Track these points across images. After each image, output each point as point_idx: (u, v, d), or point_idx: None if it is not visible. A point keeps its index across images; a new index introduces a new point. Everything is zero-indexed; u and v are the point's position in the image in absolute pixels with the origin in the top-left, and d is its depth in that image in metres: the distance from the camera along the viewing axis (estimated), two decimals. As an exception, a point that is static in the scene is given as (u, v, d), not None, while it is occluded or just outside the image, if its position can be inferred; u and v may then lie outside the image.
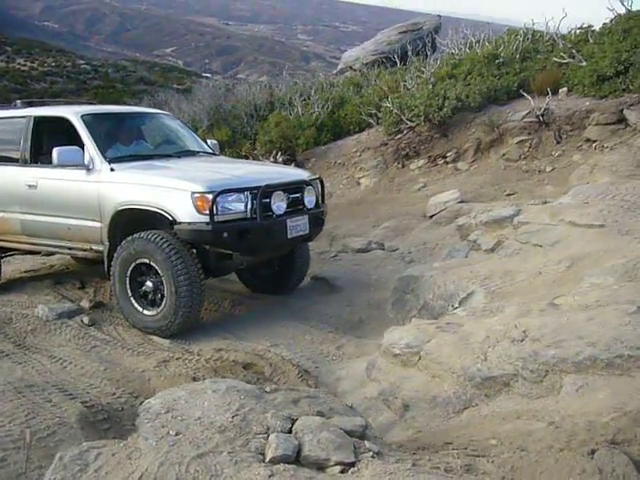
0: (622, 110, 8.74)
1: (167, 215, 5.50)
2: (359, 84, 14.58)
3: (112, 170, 5.89)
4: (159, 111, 8.08)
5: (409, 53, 16.35)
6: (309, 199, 6.25)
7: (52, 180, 6.16)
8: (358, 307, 6.56)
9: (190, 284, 5.48)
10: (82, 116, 6.25)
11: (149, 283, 5.65)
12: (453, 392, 4.03)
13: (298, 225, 6.03)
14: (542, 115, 9.29)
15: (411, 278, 6.35)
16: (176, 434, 2.83)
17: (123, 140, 6.65)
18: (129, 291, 5.76)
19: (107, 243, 5.89)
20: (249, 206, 5.56)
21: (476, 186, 9.14)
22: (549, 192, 8.47)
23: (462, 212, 8.26)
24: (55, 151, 5.82)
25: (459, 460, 2.96)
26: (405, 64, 16.17)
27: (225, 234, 5.42)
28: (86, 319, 6.02)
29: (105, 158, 5.97)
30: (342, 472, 2.72)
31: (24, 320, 6.00)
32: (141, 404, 3.28)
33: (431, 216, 8.57)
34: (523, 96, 10.45)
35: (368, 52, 17.40)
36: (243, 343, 5.59)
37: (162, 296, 5.59)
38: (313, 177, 6.53)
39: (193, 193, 5.38)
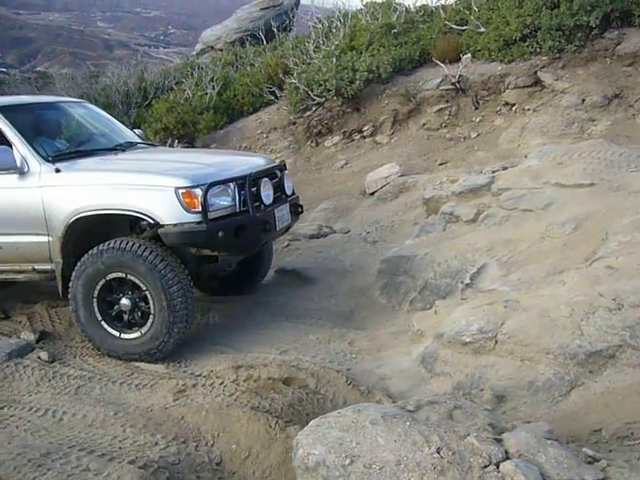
0: (536, 72, 8.90)
1: (147, 218, 4.59)
2: (232, 63, 13.81)
3: (58, 171, 4.84)
4: (77, 99, 6.92)
5: (274, 29, 15.82)
6: (288, 185, 5.62)
7: None
8: (342, 297, 6.04)
9: (184, 295, 4.66)
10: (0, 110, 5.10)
11: (125, 301, 4.71)
12: (553, 374, 3.70)
13: (283, 215, 5.38)
14: (458, 82, 9.23)
15: (400, 259, 5.93)
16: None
17: (52, 135, 5.57)
18: (98, 314, 4.77)
19: (60, 260, 4.84)
20: (237, 198, 4.79)
21: (403, 158, 8.89)
22: (483, 157, 8.43)
23: (407, 186, 7.98)
24: None
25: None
26: (270, 42, 15.63)
27: (221, 233, 4.61)
28: (44, 355, 4.91)
29: (44, 158, 4.91)
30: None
31: (-37, 369, 4.80)
32: (294, 453, 2.55)
33: (372, 193, 8.19)
34: (426, 64, 10.38)
35: (231, 30, 16.55)
36: (250, 355, 4.87)
37: (144, 314, 4.72)
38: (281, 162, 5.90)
39: (177, 189, 4.53)
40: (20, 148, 4.92)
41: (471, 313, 4.21)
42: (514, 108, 8.87)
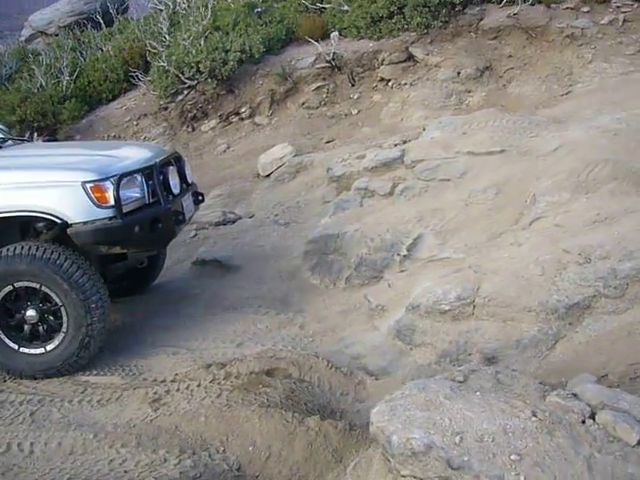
0: (407, 48, 9.20)
1: (52, 218, 4.15)
2: (75, 48, 12.79)
3: None
4: None
5: (112, 12, 14.90)
6: (189, 173, 5.38)
7: None
8: (272, 282, 5.89)
9: (103, 305, 4.31)
10: None
11: (31, 312, 4.26)
12: (537, 330, 3.90)
13: (189, 204, 5.12)
14: (333, 59, 9.28)
15: (329, 237, 5.88)
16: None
17: None
18: None
19: None
20: (145, 189, 4.47)
21: (288, 138, 8.79)
22: (369, 133, 8.59)
23: (304, 165, 7.90)
24: None
25: None
26: (109, 25, 14.72)
27: (137, 228, 4.29)
28: (-33, 383, 4.30)
29: None
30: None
31: None
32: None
33: (267, 175, 8.02)
34: (292, 43, 10.33)
35: (64, 13, 15.26)
36: (207, 352, 4.61)
37: (50, 327, 4.30)
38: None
39: (85, 183, 4.12)
40: None
41: (443, 281, 4.29)
42: (390, 83, 9.11)
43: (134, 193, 4.39)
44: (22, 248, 4.18)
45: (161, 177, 4.68)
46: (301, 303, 5.54)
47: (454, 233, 5.38)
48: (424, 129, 7.11)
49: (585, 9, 9.03)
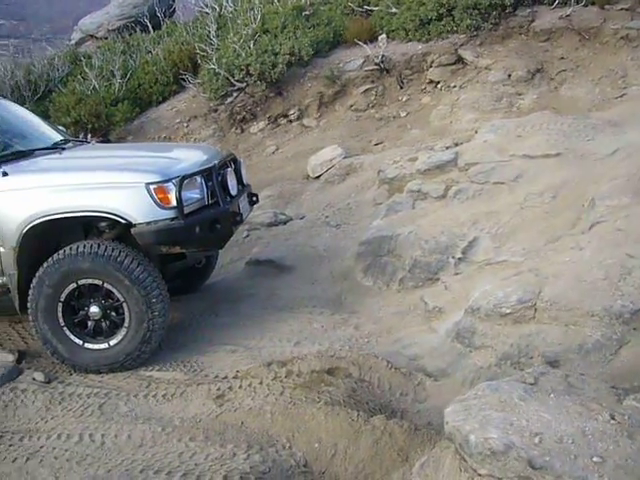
0: (457, 50, 9.18)
1: (117, 218, 4.27)
2: (125, 52, 13.06)
3: (5, 175, 4.38)
4: None
5: (159, 15, 15.14)
6: (244, 175, 5.48)
7: None
8: (325, 283, 5.95)
9: (163, 301, 4.41)
10: None
11: (95, 309, 4.39)
12: (601, 335, 3.84)
13: (245, 205, 5.23)
14: (381, 62, 9.31)
15: (382, 239, 5.91)
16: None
17: None
18: (63, 324, 4.41)
19: (15, 271, 4.39)
20: (205, 191, 4.57)
21: (336, 140, 8.84)
22: (418, 135, 8.58)
23: (354, 167, 7.96)
24: None
25: None
26: (157, 28, 14.97)
27: (197, 228, 4.40)
28: (38, 375, 4.42)
29: None
30: None
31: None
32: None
33: (317, 176, 8.10)
34: (340, 46, 10.39)
35: (113, 17, 15.58)
36: (265, 350, 4.69)
37: (113, 323, 4.43)
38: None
39: (149, 184, 4.24)
40: None
41: (504, 285, 4.29)
42: (439, 86, 9.10)
43: (194, 194, 4.50)
44: (84, 246, 4.31)
45: (219, 178, 4.79)
46: (355, 304, 5.59)
47: (510, 236, 5.36)
48: (476, 132, 7.09)
49: (640, 10, 8.91)
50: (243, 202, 5.20)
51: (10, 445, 3.67)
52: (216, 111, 9.97)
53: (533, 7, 9.18)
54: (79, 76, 11.66)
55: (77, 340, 4.46)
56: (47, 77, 11.91)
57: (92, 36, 15.81)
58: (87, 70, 11.27)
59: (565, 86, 8.47)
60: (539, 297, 4.08)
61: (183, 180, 4.34)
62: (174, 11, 16.46)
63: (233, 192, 4.97)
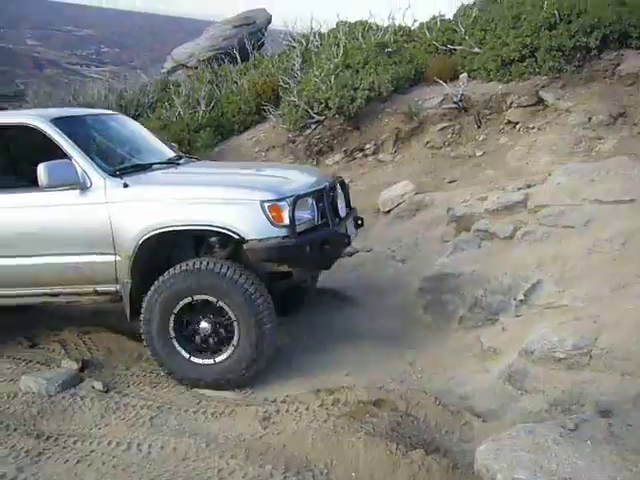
0: (537, 92, 9.08)
1: (230, 233, 4.39)
2: (212, 81, 13.65)
3: (126, 186, 4.61)
4: (113, 112, 6.68)
5: (248, 47, 15.74)
6: (351, 198, 5.55)
7: (29, 209, 4.71)
8: (385, 316, 5.94)
9: (272, 321, 4.49)
10: (53, 121, 4.85)
11: (205, 324, 4.51)
12: (658, 387, 3.71)
13: (351, 227, 5.28)
14: (460, 101, 9.34)
15: (445, 277, 5.88)
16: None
17: (105, 148, 5.38)
18: (173, 335, 4.54)
19: (129, 280, 4.58)
20: (316, 211, 4.68)
21: (410, 177, 8.87)
22: (492, 176, 8.50)
23: (424, 204, 7.95)
24: (43, 168, 4.42)
25: None
26: (245, 60, 15.54)
27: (308, 248, 4.47)
28: (98, 384, 4.65)
29: (108, 172, 4.69)
30: None
31: (17, 401, 4.46)
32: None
33: (388, 211, 8.15)
34: (420, 83, 10.48)
35: (204, 48, 16.35)
36: (316, 378, 4.73)
37: (220, 340, 4.51)
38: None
39: (263, 202, 4.37)
40: (81, 162, 4.67)
41: (561, 329, 4.19)
42: (518, 127, 9.01)
43: (306, 214, 4.62)
44: (206, 264, 4.42)
45: (330, 200, 4.92)
46: (413, 339, 5.55)
47: (575, 281, 5.22)
48: (550, 174, 6.97)
49: None
50: (350, 225, 5.28)
51: (64, 447, 3.87)
52: (294, 142, 10.23)
53: (620, 50, 8.99)
54: (166, 103, 12.26)
55: (184, 353, 4.56)
56: (137, 102, 12.60)
57: (184, 65, 16.58)
58: (174, 97, 11.82)
59: (648, 132, 8.22)
60: (595, 344, 3.98)
61: (297, 200, 4.45)
62: (263, 44, 17.10)
63: (342, 214, 5.09)
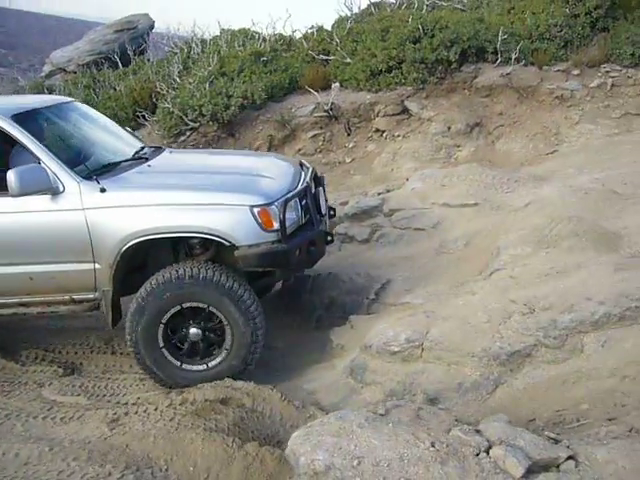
0: (403, 101, 9.57)
1: (220, 239, 4.29)
2: (90, 86, 13.37)
3: (103, 191, 4.34)
4: (68, 99, 5.98)
5: (129, 53, 15.52)
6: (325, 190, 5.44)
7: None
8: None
9: (263, 324, 4.48)
10: (14, 118, 4.45)
11: (195, 330, 4.42)
12: (479, 375, 4.07)
13: (328, 222, 5.30)
14: (330, 109, 9.67)
15: (306, 279, 6.09)
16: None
17: (70, 146, 5.02)
18: (162, 345, 4.43)
19: (109, 287, 4.38)
20: (299, 211, 4.59)
21: (283, 182, 9.11)
22: (360, 181, 8.90)
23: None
24: (14, 174, 4.13)
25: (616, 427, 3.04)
26: (126, 65, 15.32)
27: (297, 251, 4.42)
28: None
29: (81, 175, 4.40)
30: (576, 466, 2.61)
31: None
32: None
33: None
34: (295, 92, 10.74)
35: (83, 52, 15.92)
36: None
37: (210, 344, 4.48)
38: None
39: (253, 207, 4.26)
40: (50, 164, 4.34)
41: (397, 324, 4.50)
42: (384, 134, 9.46)
43: (292, 215, 4.50)
44: (197, 271, 4.28)
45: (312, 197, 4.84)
46: (271, 340, 5.72)
47: (422, 280, 5.60)
48: (407, 180, 7.40)
49: (575, 72, 9.40)
50: (328, 220, 5.28)
51: None
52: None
53: (477, 64, 9.64)
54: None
55: (175, 361, 4.46)
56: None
57: (63, 70, 16.12)
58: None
59: (501, 140, 8.88)
60: (426, 337, 4.30)
61: (286, 203, 4.36)
62: (145, 50, 16.89)
63: (324, 211, 5.04)
